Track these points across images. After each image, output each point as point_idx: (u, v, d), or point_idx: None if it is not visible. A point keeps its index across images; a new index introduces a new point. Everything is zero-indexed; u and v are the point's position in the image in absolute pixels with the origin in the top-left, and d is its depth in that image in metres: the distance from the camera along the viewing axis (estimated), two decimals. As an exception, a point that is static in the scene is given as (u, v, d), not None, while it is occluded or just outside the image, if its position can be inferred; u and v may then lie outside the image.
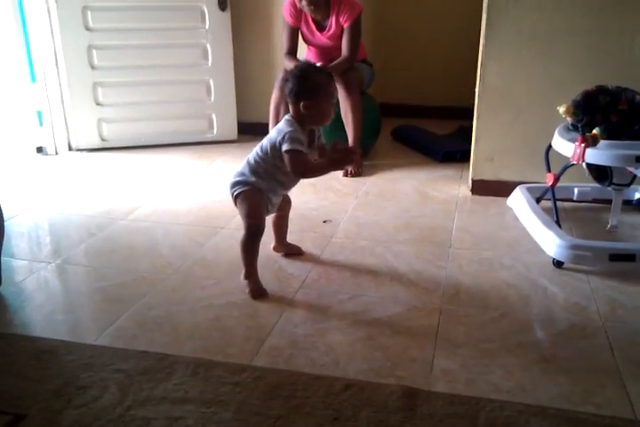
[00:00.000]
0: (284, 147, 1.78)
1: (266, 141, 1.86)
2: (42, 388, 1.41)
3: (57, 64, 3.38)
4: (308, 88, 1.78)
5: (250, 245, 1.87)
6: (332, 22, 3.09)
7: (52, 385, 1.42)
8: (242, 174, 1.90)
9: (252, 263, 1.89)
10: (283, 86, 2.99)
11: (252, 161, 1.88)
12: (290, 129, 1.79)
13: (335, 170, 1.88)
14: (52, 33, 3.32)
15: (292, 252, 2.12)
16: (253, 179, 1.87)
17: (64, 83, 3.41)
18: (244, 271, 1.89)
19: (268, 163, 1.85)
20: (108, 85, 3.48)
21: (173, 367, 1.48)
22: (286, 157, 1.78)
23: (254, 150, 1.90)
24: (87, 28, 3.35)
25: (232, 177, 1.93)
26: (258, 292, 1.85)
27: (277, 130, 1.84)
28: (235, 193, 1.90)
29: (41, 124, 3.50)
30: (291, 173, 1.83)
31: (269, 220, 2.02)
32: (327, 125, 1.90)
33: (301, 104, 1.78)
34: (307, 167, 1.82)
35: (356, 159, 1.89)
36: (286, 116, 1.86)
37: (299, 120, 1.82)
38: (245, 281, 1.88)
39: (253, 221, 1.86)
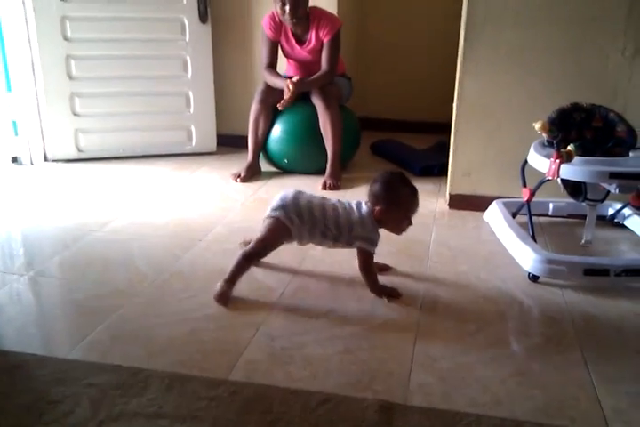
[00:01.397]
0: (360, 245, 1.89)
1: (344, 224, 1.88)
2: (11, 403, 1.38)
3: (34, 73, 3.35)
4: (393, 198, 1.88)
5: (246, 263, 1.90)
6: (311, 36, 3.11)
7: (22, 400, 1.39)
8: (296, 212, 1.89)
9: (237, 278, 1.89)
10: (274, 106, 3.06)
11: (314, 213, 1.89)
12: (371, 229, 1.89)
13: (374, 287, 1.93)
14: (30, 42, 3.29)
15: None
16: (291, 213, 1.88)
17: (41, 92, 3.38)
18: (226, 278, 1.87)
19: (339, 240, 1.90)
20: (86, 96, 3.45)
21: (148, 382, 1.46)
22: (361, 254, 1.91)
23: (315, 203, 1.91)
24: (65, 38, 3.32)
25: (285, 202, 1.91)
26: (225, 297, 1.85)
27: (361, 219, 1.88)
28: (270, 215, 1.90)
29: (16, 134, 3.45)
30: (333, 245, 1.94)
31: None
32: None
33: (381, 208, 1.88)
34: (371, 269, 1.94)
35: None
36: (368, 208, 1.90)
37: (375, 218, 1.90)
38: (220, 284, 1.86)
39: (258, 249, 1.91)
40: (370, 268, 1.93)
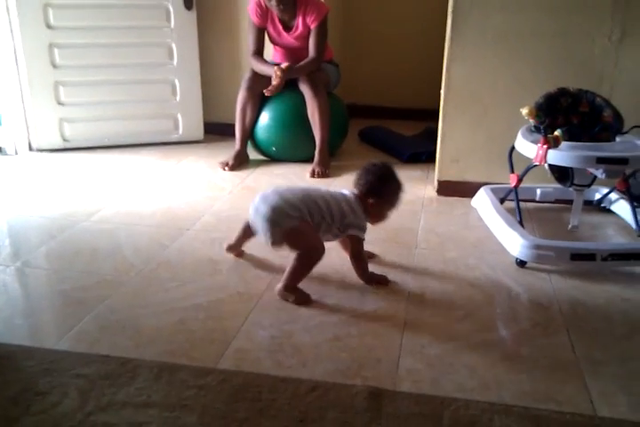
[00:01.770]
0: (359, 234, 1.89)
1: (337, 213, 1.84)
2: (-1, 394, 1.37)
3: (17, 62, 3.30)
4: (387, 189, 1.90)
5: (306, 269, 1.84)
6: (298, 23, 3.08)
7: (9, 392, 1.38)
8: (293, 208, 1.80)
9: (298, 281, 1.83)
10: (262, 94, 3.04)
11: (314, 206, 1.82)
12: (361, 216, 1.89)
13: (361, 274, 1.93)
14: (12, 31, 3.24)
15: (241, 256, 2.10)
16: (303, 213, 1.81)
17: (24, 82, 3.33)
18: (281, 285, 1.81)
19: (330, 223, 1.86)
20: (70, 84, 3.41)
21: (136, 372, 1.45)
22: (353, 242, 1.90)
23: (315, 197, 1.85)
24: (48, 26, 3.27)
25: (278, 201, 1.80)
26: (305, 298, 1.81)
27: (353, 210, 1.86)
28: (284, 226, 1.78)
29: (0, 124, 3.41)
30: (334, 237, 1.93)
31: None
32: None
33: (374, 199, 1.88)
34: (362, 256, 1.94)
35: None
36: (356, 200, 1.88)
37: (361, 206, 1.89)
38: (284, 293, 1.81)
39: (318, 251, 1.83)
40: (361, 255, 1.93)
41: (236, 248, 2.08)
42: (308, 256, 1.82)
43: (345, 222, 1.87)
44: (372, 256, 2.10)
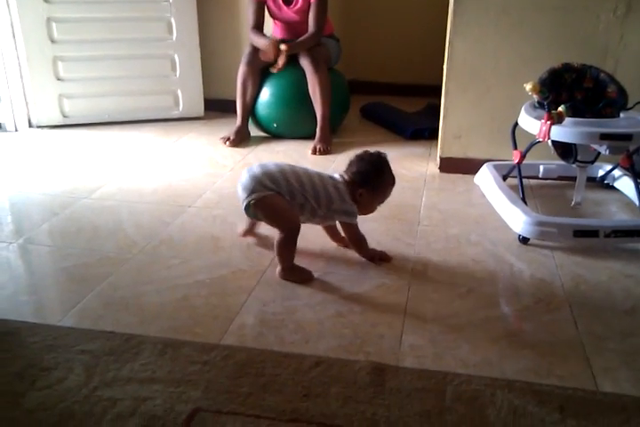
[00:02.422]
0: (349, 220, 1.85)
1: (323, 197, 1.80)
2: (4, 371, 1.38)
3: (14, 37, 3.26)
4: (378, 179, 1.85)
5: (290, 245, 1.80)
6: (298, -4, 3.03)
7: (14, 368, 1.39)
8: (275, 181, 1.77)
9: (291, 259, 1.81)
10: (263, 69, 2.95)
11: (296, 186, 1.78)
12: (355, 208, 1.85)
13: (365, 253, 1.92)
14: (8, 5, 3.19)
15: (256, 235, 2.06)
16: (282, 190, 1.77)
17: (22, 57, 3.29)
18: (280, 268, 1.81)
19: (316, 206, 1.81)
20: (69, 60, 3.37)
21: (140, 348, 1.46)
22: (347, 228, 1.88)
23: (299, 173, 1.82)
24: (46, 0, 3.22)
25: (259, 171, 1.79)
26: (307, 276, 1.81)
27: (341, 197, 1.82)
28: (259, 193, 1.76)
29: (-1, 100, 3.39)
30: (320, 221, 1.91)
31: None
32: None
33: (363, 189, 1.83)
34: (360, 238, 1.91)
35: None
36: (345, 187, 1.84)
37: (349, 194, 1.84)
38: (285, 275, 1.80)
39: (291, 224, 1.78)
40: (358, 237, 1.90)
41: (250, 233, 2.05)
42: (285, 230, 1.79)
43: (332, 208, 1.82)
44: (387, 259, 1.94)
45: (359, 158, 1.88)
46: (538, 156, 2.39)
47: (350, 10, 4.16)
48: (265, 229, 2.05)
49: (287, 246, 1.80)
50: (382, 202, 1.91)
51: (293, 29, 3.14)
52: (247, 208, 1.80)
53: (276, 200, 1.77)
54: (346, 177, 1.87)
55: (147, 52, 3.46)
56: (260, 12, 3.14)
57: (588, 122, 2.06)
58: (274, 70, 3.02)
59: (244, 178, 1.81)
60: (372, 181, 1.84)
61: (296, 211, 1.80)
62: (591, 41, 2.45)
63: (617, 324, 1.61)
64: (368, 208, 1.90)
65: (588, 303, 1.71)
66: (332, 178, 1.87)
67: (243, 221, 2.04)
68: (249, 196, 1.77)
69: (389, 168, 1.89)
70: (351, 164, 1.88)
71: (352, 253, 1.97)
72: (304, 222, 1.85)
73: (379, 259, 1.91)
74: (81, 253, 1.96)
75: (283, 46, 2.98)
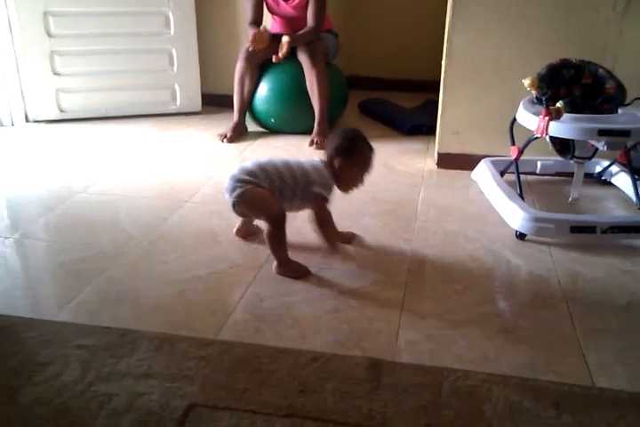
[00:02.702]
0: (318, 190, 1.82)
1: (300, 168, 1.82)
2: (0, 365, 1.37)
3: (11, 31, 3.24)
4: (356, 152, 1.85)
5: (279, 234, 1.80)
6: (297, -9, 3.02)
7: (10, 363, 1.39)
8: (251, 174, 1.80)
9: (284, 251, 1.82)
10: (260, 65, 2.92)
11: (273, 173, 1.80)
12: (328, 178, 1.84)
13: (328, 239, 1.88)
14: (5, -2, 3.18)
15: (253, 232, 2.06)
16: (263, 182, 1.79)
17: (19, 51, 3.28)
18: (276, 263, 1.81)
19: (294, 186, 1.81)
20: (66, 54, 3.35)
21: (137, 343, 1.46)
22: (318, 202, 1.84)
23: (277, 165, 1.82)
24: (42, -6, 3.21)
25: (238, 171, 1.82)
26: (304, 271, 1.81)
27: (315, 168, 1.83)
28: (237, 191, 1.78)
29: (-5, 95, 3.37)
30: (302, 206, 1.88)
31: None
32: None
33: (342, 162, 1.83)
34: (328, 216, 1.88)
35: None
36: (322, 161, 1.86)
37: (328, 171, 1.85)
38: (281, 270, 1.81)
39: (274, 213, 1.79)
40: (328, 217, 1.88)
41: (244, 229, 2.04)
42: (270, 220, 1.79)
43: (310, 181, 1.82)
44: (351, 237, 2.01)
45: (333, 136, 1.90)
46: (535, 151, 2.38)
47: (349, 5, 4.14)
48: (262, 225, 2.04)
49: (276, 237, 1.81)
50: (365, 173, 1.89)
51: (292, 25, 3.13)
52: (234, 207, 1.83)
53: (255, 192, 1.79)
54: (324, 158, 1.88)
55: (144, 46, 3.45)
56: (259, 7, 3.13)
57: (586, 118, 2.06)
58: (275, 59, 2.99)
59: (225, 182, 1.85)
60: (346, 150, 1.85)
61: (278, 199, 1.81)
62: (590, 37, 2.44)
63: (613, 320, 1.61)
64: (351, 180, 1.89)
65: (584, 299, 1.71)
66: (309, 159, 1.89)
67: (238, 220, 2.03)
68: (231, 195, 1.81)
69: (364, 138, 1.90)
70: (328, 144, 1.91)
71: (349, 250, 1.96)
72: (288, 211, 1.85)
73: (346, 242, 1.93)
74: (77, 248, 1.95)
75: (285, 38, 2.96)
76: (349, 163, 1.85)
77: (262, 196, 1.79)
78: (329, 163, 1.86)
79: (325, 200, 1.86)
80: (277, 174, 1.81)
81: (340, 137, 1.88)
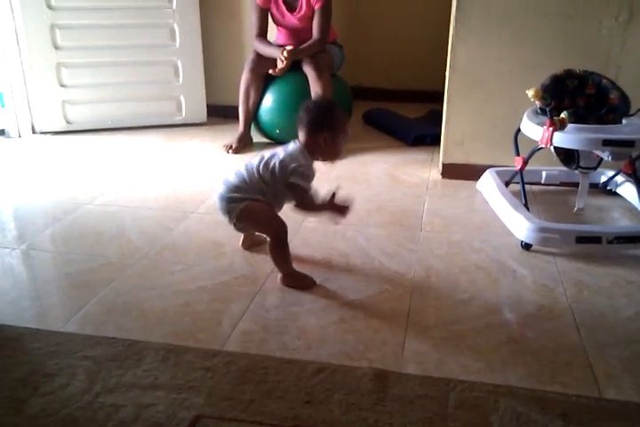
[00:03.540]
0: (294, 180, 1.76)
1: (274, 162, 1.78)
2: (6, 376, 1.38)
3: (18, 44, 3.28)
4: (333, 121, 1.79)
5: (282, 248, 1.80)
6: (302, 3, 3.05)
7: (17, 373, 1.39)
8: (238, 189, 1.79)
9: (288, 263, 1.82)
10: (266, 76, 2.89)
11: (254, 177, 1.79)
12: (305, 164, 1.79)
13: (328, 216, 1.87)
14: (12, 11, 3.21)
15: (259, 243, 2.05)
16: (251, 194, 1.78)
17: (26, 63, 3.31)
18: (281, 275, 1.82)
19: (272, 183, 1.79)
20: (73, 66, 3.38)
21: (143, 354, 1.46)
22: (293, 191, 1.79)
23: (255, 165, 1.81)
24: (49, 7, 3.24)
25: (224, 189, 1.81)
26: (309, 282, 1.81)
27: (290, 156, 1.79)
28: (234, 212, 1.79)
29: (3, 106, 3.39)
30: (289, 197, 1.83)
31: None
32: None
33: (322, 136, 1.78)
34: (311, 204, 1.82)
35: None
36: (299, 145, 1.82)
37: (310, 151, 1.81)
38: (285, 280, 1.81)
39: (276, 227, 1.79)
40: (311, 205, 1.82)
41: (248, 241, 2.04)
42: (272, 233, 1.80)
43: (287, 173, 1.77)
44: (347, 204, 1.86)
45: (307, 110, 1.82)
46: (540, 162, 2.39)
47: (353, 17, 4.17)
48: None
49: (279, 250, 1.81)
50: (343, 141, 1.83)
51: (297, 36, 3.15)
52: (235, 226, 1.85)
53: (251, 207, 1.78)
54: (301, 139, 1.83)
55: (150, 58, 3.48)
56: (264, 18, 3.15)
57: (590, 128, 2.06)
58: (272, 72, 3.02)
59: (217, 204, 1.85)
60: (316, 122, 1.79)
61: (275, 211, 1.82)
62: (593, 47, 2.45)
63: (620, 330, 1.61)
64: (329, 153, 1.84)
65: (590, 310, 1.70)
66: (284, 146, 1.85)
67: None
68: (229, 217, 1.82)
69: (335, 104, 1.86)
70: (304, 120, 1.81)
71: (354, 260, 1.97)
72: (280, 208, 1.86)
73: (339, 212, 1.83)
74: (84, 259, 1.96)
75: (288, 47, 2.98)
76: (324, 133, 1.78)
77: (260, 211, 1.80)
78: (311, 140, 1.80)
79: (304, 190, 1.79)
80: (259, 179, 1.78)
81: (317, 110, 1.81)
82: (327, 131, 1.79)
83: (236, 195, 1.79)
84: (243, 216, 1.80)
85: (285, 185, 1.79)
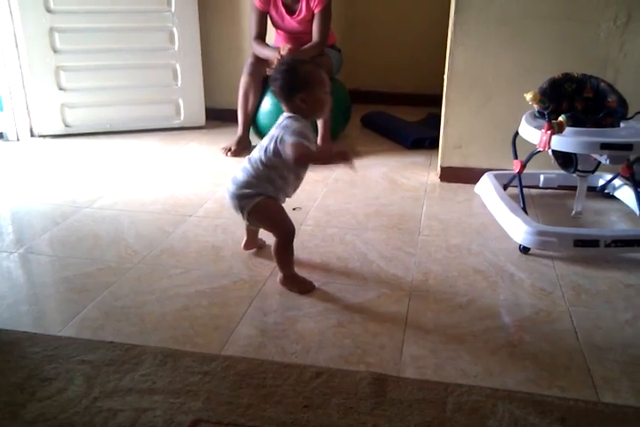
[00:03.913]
0: (289, 140, 1.69)
1: (268, 142, 1.76)
2: (4, 381, 1.38)
3: (17, 47, 3.28)
4: (300, 80, 1.74)
5: (287, 250, 1.81)
6: (302, 6, 3.05)
7: (14, 378, 1.39)
8: (248, 185, 1.78)
9: (291, 266, 1.82)
10: (264, 79, 2.82)
11: (259, 168, 1.77)
12: (298, 124, 1.73)
13: (329, 163, 1.81)
14: (12, 14, 3.21)
15: (260, 246, 2.07)
16: (262, 188, 1.78)
17: (25, 66, 3.31)
18: (281, 276, 1.82)
19: (276, 165, 1.76)
20: (71, 70, 3.38)
21: (141, 358, 1.46)
22: (288, 148, 1.69)
23: (256, 156, 1.79)
24: (48, 10, 3.24)
25: (234, 188, 1.80)
26: (308, 286, 1.81)
27: (284, 128, 1.74)
28: (247, 208, 1.78)
29: (1, 109, 3.39)
30: (294, 168, 1.78)
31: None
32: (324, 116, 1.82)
33: (298, 98, 1.73)
34: (308, 156, 1.74)
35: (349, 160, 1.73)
36: (286, 115, 1.78)
37: (298, 115, 1.77)
38: (286, 283, 1.81)
39: (285, 228, 1.80)
40: (309, 156, 1.73)
41: (252, 243, 2.04)
42: (280, 234, 1.80)
43: (282, 137, 1.72)
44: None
45: (276, 77, 1.76)
46: (538, 165, 2.39)
47: (351, 20, 4.17)
48: (266, 239, 2.05)
49: (284, 251, 1.81)
50: (325, 91, 1.76)
51: (296, 39, 3.15)
52: (249, 222, 1.85)
53: (263, 205, 1.78)
54: (284, 109, 1.79)
55: (149, 61, 3.48)
56: (263, 21, 3.16)
57: (588, 132, 2.07)
58: (270, 71, 3.01)
59: (227, 201, 1.85)
60: (296, 84, 1.73)
61: (286, 214, 1.82)
62: (591, 51, 2.45)
63: (618, 334, 1.61)
64: (319, 104, 1.77)
65: (588, 313, 1.70)
66: (277, 125, 1.79)
67: (244, 235, 2.03)
68: (242, 214, 1.82)
69: (298, 61, 1.83)
70: (276, 87, 1.77)
71: (352, 263, 1.97)
72: (295, 190, 1.86)
73: (340, 158, 1.73)
74: (82, 263, 1.96)
75: (288, 46, 2.97)
76: (307, 91, 1.73)
77: (272, 210, 1.80)
78: (291, 106, 1.76)
79: (301, 145, 1.69)
80: (264, 168, 1.76)
81: (280, 75, 1.75)
82: (299, 90, 1.73)
83: (246, 191, 1.79)
84: (254, 213, 1.79)
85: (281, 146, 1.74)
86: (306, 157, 1.73)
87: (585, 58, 2.45)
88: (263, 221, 1.84)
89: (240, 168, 1.84)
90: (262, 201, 1.78)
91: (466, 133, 2.68)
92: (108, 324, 1.62)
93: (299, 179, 1.86)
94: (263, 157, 1.77)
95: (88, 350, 1.49)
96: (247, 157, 1.85)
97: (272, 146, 1.76)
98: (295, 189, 1.88)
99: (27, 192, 2.60)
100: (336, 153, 1.76)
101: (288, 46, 3.01)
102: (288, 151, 1.70)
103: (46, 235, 2.17)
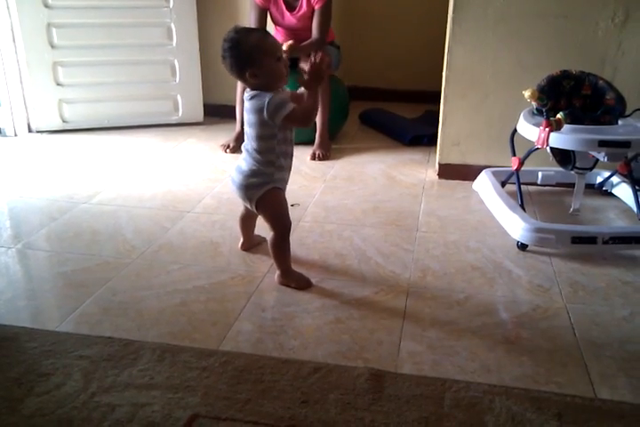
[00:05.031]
0: (283, 113, 1.65)
1: (250, 130, 1.73)
2: (2, 376, 1.38)
3: (14, 42, 3.27)
4: (244, 55, 1.66)
5: (284, 244, 1.81)
6: (302, 2, 3.04)
7: (12, 373, 1.39)
8: (253, 173, 1.76)
9: (288, 261, 1.82)
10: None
11: (256, 156, 1.75)
12: (267, 98, 1.66)
13: (317, 84, 1.71)
14: (9, 9, 3.20)
15: (258, 243, 2.06)
16: (266, 175, 1.76)
17: (22, 62, 3.30)
18: (278, 272, 1.82)
19: (268, 147, 1.73)
20: (69, 65, 3.37)
21: (139, 353, 1.46)
22: (290, 120, 1.67)
23: (248, 146, 1.77)
24: (46, 5, 3.23)
25: (240, 178, 1.79)
26: (306, 283, 1.81)
27: (254, 109, 1.69)
28: (255, 197, 1.78)
29: (-1, 105, 3.39)
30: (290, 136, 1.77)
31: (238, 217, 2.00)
32: (284, 85, 1.76)
33: (247, 73, 1.65)
34: (306, 116, 1.70)
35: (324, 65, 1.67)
36: (247, 95, 1.72)
37: (259, 90, 1.70)
38: (283, 279, 1.81)
39: (284, 223, 1.81)
40: (310, 110, 1.71)
41: (248, 243, 2.04)
42: (277, 228, 1.80)
43: (269, 115, 1.67)
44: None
45: (222, 62, 1.72)
46: (536, 162, 2.39)
47: (350, 17, 4.17)
48: (264, 235, 2.05)
49: (281, 247, 1.81)
50: (277, 56, 1.68)
51: (296, 36, 3.14)
52: (257, 211, 1.83)
53: (269, 197, 1.78)
54: (248, 87, 1.74)
55: (147, 57, 3.47)
56: (262, 18, 3.15)
57: (586, 129, 2.07)
58: None
59: (233, 191, 1.85)
60: (243, 59, 1.67)
61: (288, 208, 1.82)
62: (590, 48, 2.46)
63: (615, 330, 1.61)
64: (274, 75, 1.69)
65: (585, 310, 1.71)
66: (245, 108, 1.76)
67: (240, 232, 2.03)
68: (249, 203, 1.81)
69: (242, 33, 1.72)
70: (227, 66, 1.71)
71: (350, 260, 1.97)
72: (291, 160, 1.82)
73: (319, 79, 1.70)
74: (80, 258, 1.96)
75: (289, 42, 2.96)
76: (254, 64, 1.66)
77: (276, 204, 1.80)
78: (247, 82, 1.70)
79: (293, 112, 1.65)
80: (260, 152, 1.74)
81: (225, 54, 1.69)
82: (248, 66, 1.66)
83: (253, 180, 1.77)
84: (261, 203, 1.79)
85: (282, 124, 1.70)
86: (310, 112, 1.71)
87: (583, 56, 2.45)
88: (266, 212, 1.82)
89: (242, 157, 1.83)
90: (269, 192, 1.78)
91: (464, 130, 2.68)
92: (106, 319, 1.62)
93: (287, 142, 1.78)
94: (255, 145, 1.75)
95: (86, 345, 1.49)
96: (243, 145, 1.82)
97: (255, 132, 1.72)
98: (292, 157, 1.83)
99: (24, 188, 2.59)
100: (310, 78, 1.68)
101: (290, 42, 3.00)
102: (295, 123, 1.72)
103: (44, 230, 2.17)
